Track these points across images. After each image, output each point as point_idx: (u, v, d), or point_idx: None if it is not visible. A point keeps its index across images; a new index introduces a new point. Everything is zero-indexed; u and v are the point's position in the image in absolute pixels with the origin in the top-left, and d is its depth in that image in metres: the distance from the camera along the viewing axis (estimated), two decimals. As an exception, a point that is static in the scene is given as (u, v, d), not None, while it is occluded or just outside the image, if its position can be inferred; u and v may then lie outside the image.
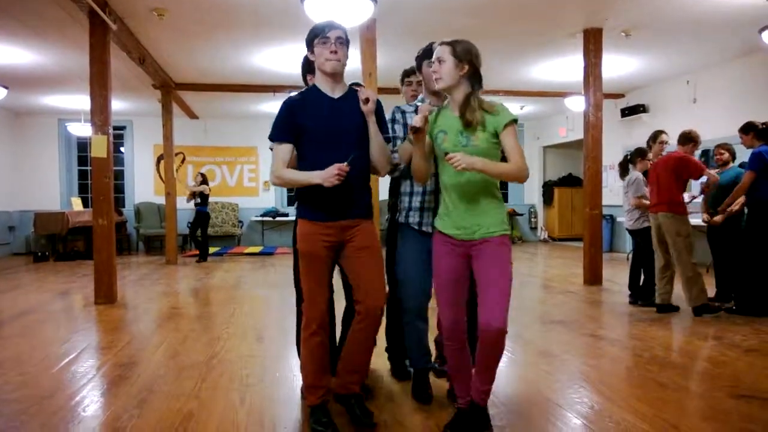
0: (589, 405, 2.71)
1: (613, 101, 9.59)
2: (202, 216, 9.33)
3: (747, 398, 2.78)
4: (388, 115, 2.72)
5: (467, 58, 2.25)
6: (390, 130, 2.69)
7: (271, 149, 2.42)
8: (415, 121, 2.23)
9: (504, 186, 13.20)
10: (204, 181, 9.36)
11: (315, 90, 2.38)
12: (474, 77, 2.27)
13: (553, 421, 2.50)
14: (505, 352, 3.52)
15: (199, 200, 9.25)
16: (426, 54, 2.64)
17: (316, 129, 2.31)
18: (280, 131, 2.35)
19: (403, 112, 2.78)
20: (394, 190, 2.89)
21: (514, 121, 2.24)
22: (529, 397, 2.74)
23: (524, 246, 11.74)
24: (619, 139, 9.68)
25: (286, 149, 2.34)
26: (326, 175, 2.20)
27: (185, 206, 10.71)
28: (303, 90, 2.44)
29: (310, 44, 2.36)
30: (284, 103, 2.37)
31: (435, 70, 2.27)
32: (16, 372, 3.31)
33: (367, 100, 2.35)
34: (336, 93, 2.38)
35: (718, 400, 2.75)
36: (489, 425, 2.31)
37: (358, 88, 2.45)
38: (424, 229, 2.66)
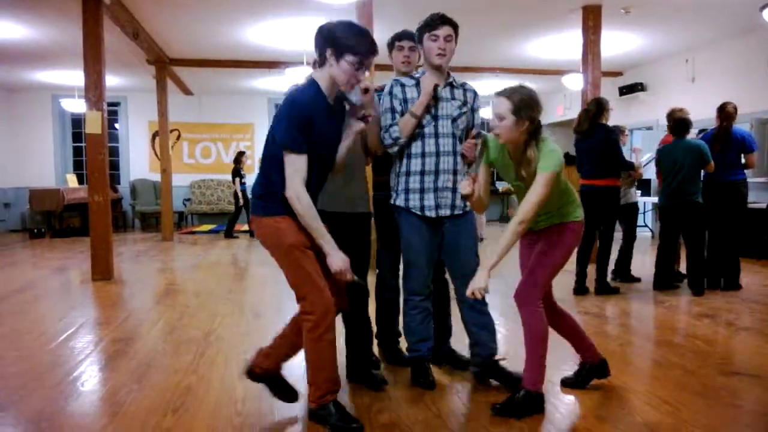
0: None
1: (610, 79, 9.52)
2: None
3: (737, 375, 2.82)
4: (385, 89, 2.65)
5: (528, 114, 2.19)
6: (388, 103, 2.59)
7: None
8: (463, 188, 2.34)
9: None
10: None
11: (319, 93, 2.12)
12: (534, 130, 2.24)
13: (548, 398, 2.53)
14: (500, 329, 3.56)
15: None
16: (427, 26, 2.52)
17: (317, 146, 2.10)
18: (302, 142, 2.04)
19: (403, 86, 2.60)
20: (383, 168, 2.81)
21: (550, 169, 2.22)
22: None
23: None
24: (616, 118, 9.60)
25: (305, 162, 2.05)
26: (340, 262, 2.10)
27: (181, 183, 10.68)
28: (308, 89, 2.11)
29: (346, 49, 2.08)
30: (300, 106, 2.04)
31: (493, 126, 2.24)
32: (15, 347, 3.33)
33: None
34: (331, 95, 2.17)
35: (709, 377, 2.79)
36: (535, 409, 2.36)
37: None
38: (428, 214, 2.59)
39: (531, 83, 10.54)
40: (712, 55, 7.85)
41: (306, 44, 7.28)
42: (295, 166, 2.03)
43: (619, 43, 7.72)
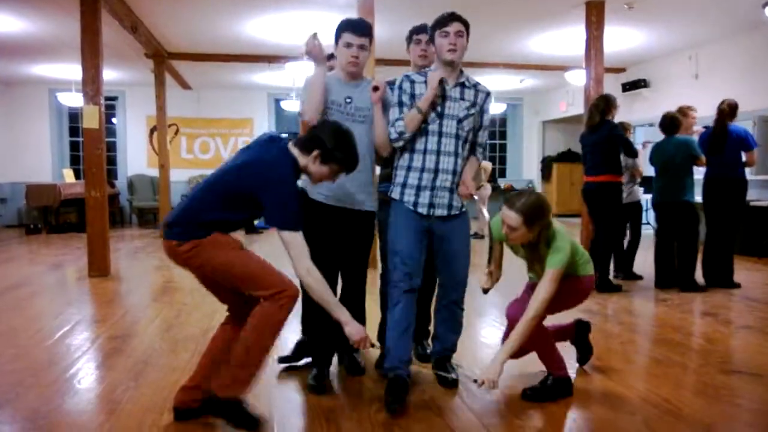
0: (584, 379, 2.73)
1: (614, 75, 9.48)
2: None
3: (738, 374, 2.81)
4: (396, 83, 2.63)
5: (539, 222, 2.30)
6: (396, 97, 2.58)
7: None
8: (482, 283, 2.62)
9: (502, 161, 13.13)
10: None
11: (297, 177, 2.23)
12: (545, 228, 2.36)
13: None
14: (498, 326, 3.53)
15: None
16: (438, 24, 2.53)
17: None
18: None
19: (412, 82, 2.58)
20: (390, 161, 2.80)
21: (558, 267, 2.32)
22: (523, 371, 2.75)
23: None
24: (619, 115, 9.56)
25: (303, 238, 2.14)
26: (361, 334, 2.18)
27: (179, 178, 10.62)
28: (295, 184, 2.20)
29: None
30: (298, 197, 2.15)
31: (506, 233, 2.35)
32: (11, 345, 3.31)
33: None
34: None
35: (710, 375, 2.78)
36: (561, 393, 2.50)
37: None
38: (419, 210, 2.57)
39: (534, 79, 10.53)
40: (715, 52, 7.81)
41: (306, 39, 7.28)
42: (302, 244, 2.10)
43: (622, 39, 7.68)
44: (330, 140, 2.16)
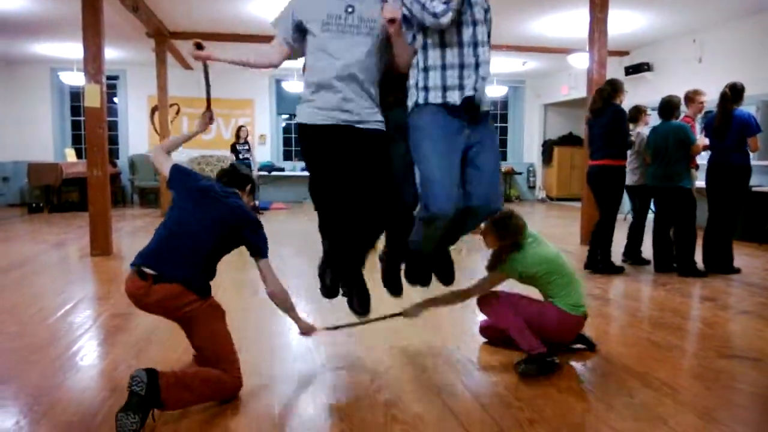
0: (583, 363, 2.75)
1: (617, 59, 9.39)
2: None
3: (737, 358, 2.83)
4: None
5: (507, 234, 2.66)
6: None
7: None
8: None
9: (503, 144, 13.07)
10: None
11: None
12: (513, 244, 2.69)
13: (548, 377, 2.54)
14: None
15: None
16: None
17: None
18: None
19: None
20: (392, 85, 2.42)
21: (492, 273, 2.77)
22: (523, 356, 2.76)
23: (522, 205, 11.73)
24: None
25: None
26: (311, 327, 2.66)
27: (180, 159, 10.58)
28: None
29: None
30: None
31: (481, 234, 2.71)
32: (13, 322, 3.33)
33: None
34: None
35: (709, 359, 2.79)
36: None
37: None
38: (449, 100, 2.14)
39: (536, 61, 10.40)
40: (719, 36, 7.72)
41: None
42: (271, 267, 2.39)
43: (626, 21, 7.59)
44: (247, 174, 2.55)
